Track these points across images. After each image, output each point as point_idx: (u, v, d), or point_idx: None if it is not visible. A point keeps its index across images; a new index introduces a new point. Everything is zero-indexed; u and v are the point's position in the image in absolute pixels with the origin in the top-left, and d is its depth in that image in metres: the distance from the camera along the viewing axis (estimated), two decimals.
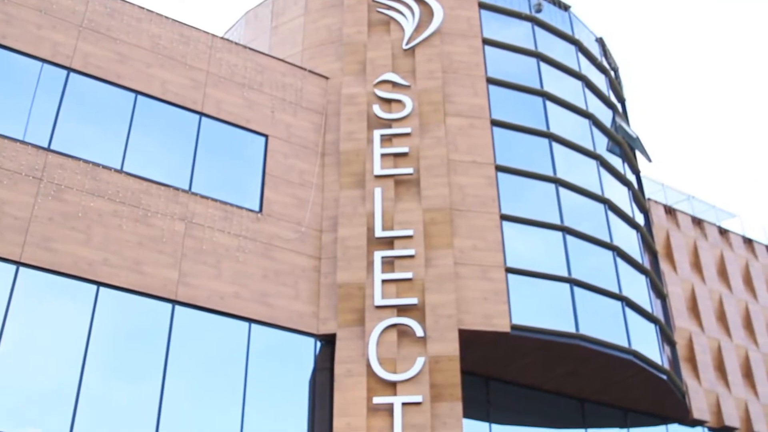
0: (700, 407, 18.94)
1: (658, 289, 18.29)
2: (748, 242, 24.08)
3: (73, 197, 13.08)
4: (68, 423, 11.75)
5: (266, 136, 15.64)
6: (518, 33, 18.48)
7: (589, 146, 17.95)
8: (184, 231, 13.82)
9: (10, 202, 12.51)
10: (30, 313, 12.19)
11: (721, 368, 20.33)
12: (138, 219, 13.51)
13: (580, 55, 19.42)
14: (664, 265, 20.52)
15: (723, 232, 23.46)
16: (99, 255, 12.91)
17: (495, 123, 16.67)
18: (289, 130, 15.94)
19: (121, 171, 13.75)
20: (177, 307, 13.34)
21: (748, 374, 20.97)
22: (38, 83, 13.69)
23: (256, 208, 14.83)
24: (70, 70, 14.08)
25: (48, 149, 13.25)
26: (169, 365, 12.91)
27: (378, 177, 15.25)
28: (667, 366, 16.99)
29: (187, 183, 14.38)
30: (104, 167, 13.61)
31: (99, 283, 12.83)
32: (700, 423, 19.11)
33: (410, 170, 15.31)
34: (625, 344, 15.72)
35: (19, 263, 12.29)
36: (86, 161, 13.49)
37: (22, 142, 13.06)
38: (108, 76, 14.42)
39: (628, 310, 16.36)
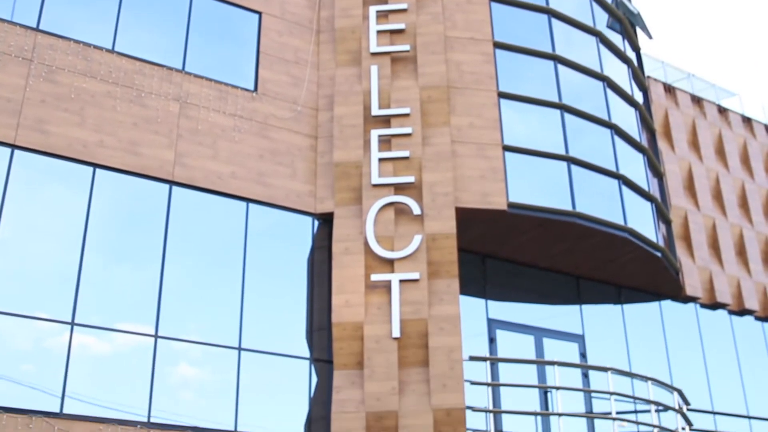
0: (693, 284, 19.22)
1: (655, 167, 18.30)
2: (747, 121, 23.94)
3: (65, 78, 12.89)
4: (70, 307, 11.92)
5: (259, 13, 15.30)
6: None
7: (589, 23, 17.61)
8: (178, 111, 13.68)
9: (1, 84, 12.34)
10: (27, 197, 12.20)
11: (715, 246, 20.53)
12: (132, 100, 13.35)
13: None
14: (661, 144, 20.46)
15: (722, 110, 23.29)
16: (94, 136, 12.82)
17: None
18: (282, 7, 15.58)
19: (112, 51, 13.51)
20: (174, 187, 13.34)
21: (741, 252, 21.19)
22: None
23: (251, 87, 14.65)
24: None
25: (37, 29, 12.97)
26: (168, 247, 13.00)
27: (374, 54, 15.01)
28: (662, 244, 17.16)
29: (180, 63, 14.15)
30: (95, 47, 13.36)
31: (95, 165, 12.79)
32: (692, 299, 19.43)
33: (407, 47, 15.05)
34: (621, 222, 15.83)
35: (13, 146, 12.21)
36: (77, 41, 13.22)
37: (10, 22, 12.77)
38: None
39: (624, 189, 16.40)
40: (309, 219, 14.38)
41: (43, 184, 12.45)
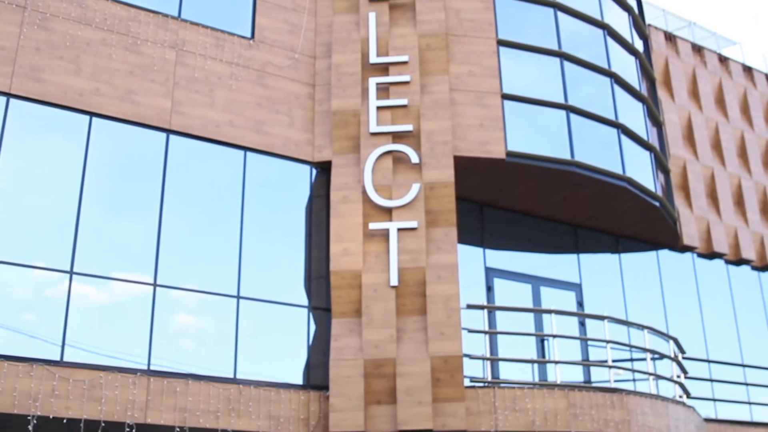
0: (690, 234, 19.26)
1: (654, 116, 18.21)
2: (748, 70, 23.76)
3: (60, 26, 12.73)
4: (69, 257, 11.92)
5: None
6: None
7: None
8: (175, 59, 13.55)
9: None
10: (24, 147, 12.14)
11: (713, 196, 20.53)
12: (127, 47, 13.21)
13: None
14: (661, 93, 20.33)
15: (723, 59, 23.10)
16: (89, 85, 12.71)
17: None
18: None
19: None
20: (171, 136, 13.26)
21: (739, 202, 21.19)
22: None
23: (248, 35, 14.49)
24: None
25: None
26: (166, 196, 12.98)
27: (372, 1, 14.78)
28: (660, 193, 17.15)
29: (176, 9, 13.97)
30: None
31: (91, 114, 12.69)
32: (689, 249, 19.48)
33: None
34: (619, 171, 15.80)
35: (9, 95, 12.11)
36: None
37: None
38: None
39: (623, 138, 16.34)
40: (307, 167, 14.34)
41: (40, 133, 12.38)
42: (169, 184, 13.06)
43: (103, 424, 11.05)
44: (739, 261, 20.63)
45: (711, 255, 20.02)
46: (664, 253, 19.16)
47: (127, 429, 11.28)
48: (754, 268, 21.19)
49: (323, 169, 14.36)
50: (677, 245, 19.11)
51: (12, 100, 12.14)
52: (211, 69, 13.81)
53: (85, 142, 12.56)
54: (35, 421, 10.69)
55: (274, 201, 13.98)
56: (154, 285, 12.48)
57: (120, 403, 11.26)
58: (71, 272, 11.89)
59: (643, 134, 17.07)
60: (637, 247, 18.59)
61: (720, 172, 20.89)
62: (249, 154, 13.85)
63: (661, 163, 17.78)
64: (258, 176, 13.90)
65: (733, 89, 22.78)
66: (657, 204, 16.78)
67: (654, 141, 17.75)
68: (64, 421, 10.86)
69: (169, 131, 13.23)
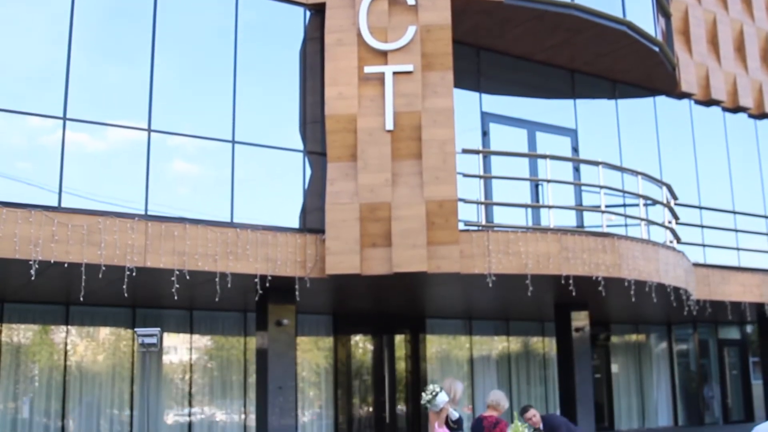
0: (689, 80, 19.03)
1: None
2: None
3: None
4: (61, 104, 11.75)
5: None
6: None
7: None
8: None
9: None
10: None
11: (714, 42, 20.17)
12: None
13: None
14: None
15: None
16: None
17: None
18: None
19: None
20: None
21: (740, 48, 20.84)
22: None
23: None
24: None
25: None
26: (156, 40, 12.69)
27: None
28: (660, 38, 16.83)
29: None
30: None
31: None
32: (687, 96, 19.32)
33: None
34: (619, 15, 15.45)
35: None
36: None
37: None
38: None
39: None
40: (300, 9, 13.96)
41: None
42: (159, 28, 12.74)
43: (103, 268, 11.19)
44: (736, 108, 20.50)
45: (708, 102, 19.87)
46: (661, 100, 19.01)
47: (128, 272, 11.45)
48: (751, 116, 21.09)
49: (317, 11, 13.95)
50: (675, 92, 18.93)
51: None
52: None
53: None
54: (37, 266, 10.82)
55: (267, 44, 13.71)
56: (149, 130, 12.39)
57: (119, 247, 11.36)
58: (64, 118, 11.77)
59: None
60: (634, 93, 18.43)
61: (722, 17, 20.44)
62: None
63: (662, 7, 17.37)
64: (250, 19, 13.56)
65: None
66: (656, 49, 16.51)
67: None
68: (65, 265, 11.01)
69: None
